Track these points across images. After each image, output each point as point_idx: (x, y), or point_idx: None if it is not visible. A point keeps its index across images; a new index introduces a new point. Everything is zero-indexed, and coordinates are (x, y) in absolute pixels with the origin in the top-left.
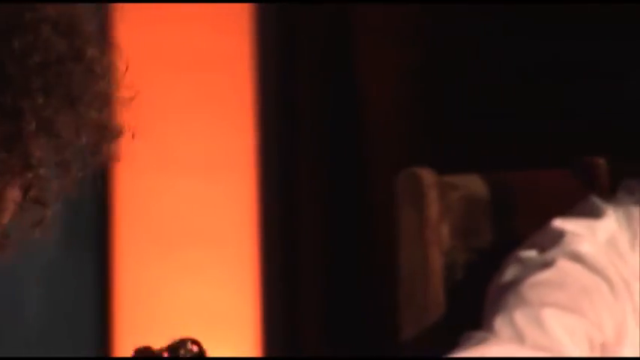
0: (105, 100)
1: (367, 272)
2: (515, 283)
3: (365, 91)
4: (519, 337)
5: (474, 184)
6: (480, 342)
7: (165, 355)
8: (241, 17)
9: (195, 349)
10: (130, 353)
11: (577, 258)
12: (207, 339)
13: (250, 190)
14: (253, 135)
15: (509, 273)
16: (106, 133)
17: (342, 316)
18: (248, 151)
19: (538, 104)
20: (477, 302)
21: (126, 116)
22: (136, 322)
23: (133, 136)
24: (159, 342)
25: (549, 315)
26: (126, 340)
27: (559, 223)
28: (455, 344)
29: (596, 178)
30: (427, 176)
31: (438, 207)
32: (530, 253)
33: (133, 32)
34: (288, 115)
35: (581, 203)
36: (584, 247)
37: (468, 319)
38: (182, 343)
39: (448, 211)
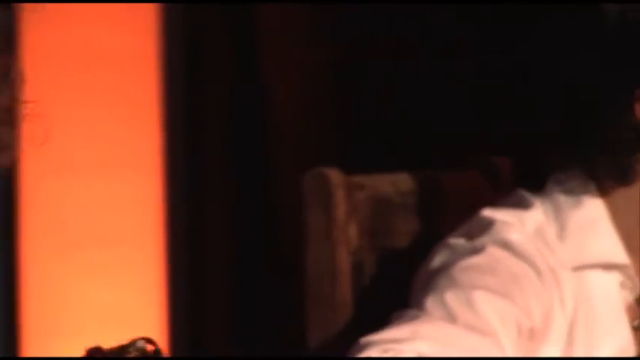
0: (8, 100)
1: (274, 272)
2: (445, 268)
3: (271, 91)
4: (451, 317)
5: (382, 184)
6: (413, 319)
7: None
8: (148, 17)
9: (150, 347)
10: (36, 353)
11: (506, 245)
12: (112, 338)
13: (156, 190)
14: (159, 135)
15: (438, 259)
16: (10, 133)
17: (249, 317)
18: (154, 151)
19: (446, 104)
20: (384, 302)
21: (31, 116)
22: (42, 322)
23: (39, 136)
24: (66, 342)
25: (480, 297)
26: (33, 339)
27: (488, 212)
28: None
29: (500, 177)
30: (334, 176)
31: (345, 207)
32: (459, 241)
33: (38, 32)
34: (195, 115)
35: (508, 196)
36: (513, 236)
37: (375, 319)
38: (133, 342)
39: (355, 211)
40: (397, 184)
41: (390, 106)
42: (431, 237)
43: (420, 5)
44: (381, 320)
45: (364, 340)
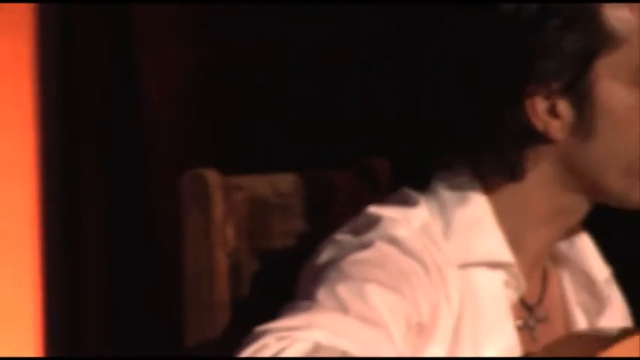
0: None
1: (152, 273)
2: (334, 262)
3: (147, 91)
4: (343, 308)
5: (259, 185)
6: (306, 309)
7: None
8: (22, 17)
9: None
10: None
11: (393, 241)
12: None
13: (31, 192)
14: (34, 136)
15: (326, 254)
16: None
17: (126, 317)
18: (29, 153)
19: (324, 104)
20: (262, 302)
21: None
22: None
23: None
24: None
25: (371, 290)
26: None
27: (375, 209)
28: (239, 344)
29: (377, 178)
30: (212, 177)
31: (223, 208)
32: (347, 237)
33: None
34: (70, 117)
35: (394, 194)
36: (400, 232)
37: (253, 320)
38: None
39: (233, 212)
40: (275, 184)
41: (267, 105)
42: (312, 237)
43: (292, 4)
44: (258, 320)
45: (259, 328)
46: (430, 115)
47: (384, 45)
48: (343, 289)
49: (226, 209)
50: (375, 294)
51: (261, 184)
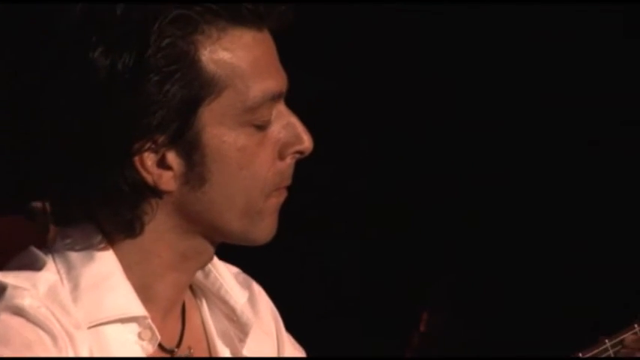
0: None
1: None
2: None
3: None
4: None
5: None
6: None
7: None
8: None
9: None
10: None
11: (18, 312)
12: None
13: None
14: None
15: None
16: None
17: None
18: None
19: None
20: None
21: None
22: None
23: None
24: None
25: None
26: None
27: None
28: None
29: (40, 222)
30: None
31: None
32: None
33: None
34: None
35: (21, 254)
36: (26, 301)
37: None
38: None
39: None
40: None
41: None
42: None
43: None
44: None
45: None
46: (43, 172)
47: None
48: None
49: None
50: None
51: None
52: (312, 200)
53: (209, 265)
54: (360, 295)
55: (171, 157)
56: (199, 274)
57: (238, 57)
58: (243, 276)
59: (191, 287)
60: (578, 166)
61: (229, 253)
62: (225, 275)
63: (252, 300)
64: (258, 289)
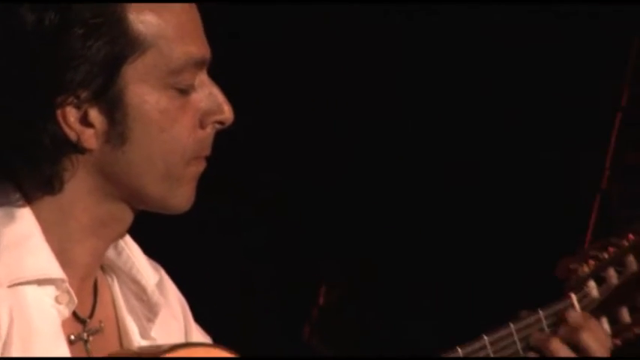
0: None
1: None
2: None
3: None
4: None
5: None
6: None
7: None
8: None
9: None
10: None
11: None
12: None
13: None
14: None
15: None
16: None
17: None
18: None
19: None
20: None
21: None
22: None
23: None
24: None
25: None
26: None
27: None
28: None
29: None
30: None
31: None
32: None
33: None
34: None
35: None
36: None
37: None
38: None
39: None
40: None
41: None
42: None
43: None
44: None
45: None
46: None
47: None
48: None
49: None
50: None
51: None
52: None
53: (122, 244)
54: (261, 273)
55: (94, 115)
56: (112, 253)
57: (165, 19)
58: (152, 261)
59: (102, 266)
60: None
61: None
62: (138, 255)
63: (161, 285)
64: (165, 276)
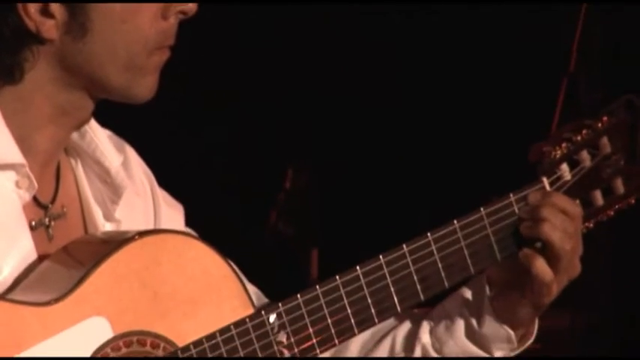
0: None
1: None
2: None
3: None
4: None
5: None
6: None
7: None
8: None
9: None
10: None
11: None
12: None
13: None
14: None
15: None
16: None
17: None
18: None
19: None
20: None
21: None
22: None
23: None
24: None
25: None
26: None
27: None
28: None
29: None
30: None
31: None
32: None
33: None
34: None
35: None
36: None
37: None
38: None
39: None
40: None
41: None
42: None
43: None
44: None
45: None
46: None
47: None
48: None
49: None
50: None
51: None
52: None
53: (85, 126)
54: (228, 160)
55: (55, 6)
56: (75, 135)
57: None
58: (117, 139)
59: (66, 149)
60: None
61: None
62: (101, 137)
63: (126, 164)
64: (130, 151)
